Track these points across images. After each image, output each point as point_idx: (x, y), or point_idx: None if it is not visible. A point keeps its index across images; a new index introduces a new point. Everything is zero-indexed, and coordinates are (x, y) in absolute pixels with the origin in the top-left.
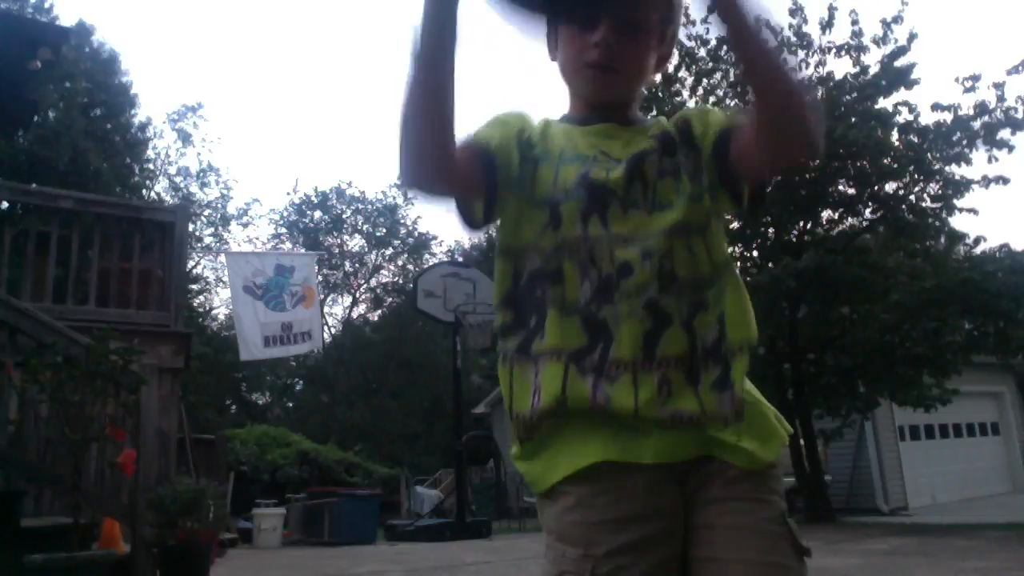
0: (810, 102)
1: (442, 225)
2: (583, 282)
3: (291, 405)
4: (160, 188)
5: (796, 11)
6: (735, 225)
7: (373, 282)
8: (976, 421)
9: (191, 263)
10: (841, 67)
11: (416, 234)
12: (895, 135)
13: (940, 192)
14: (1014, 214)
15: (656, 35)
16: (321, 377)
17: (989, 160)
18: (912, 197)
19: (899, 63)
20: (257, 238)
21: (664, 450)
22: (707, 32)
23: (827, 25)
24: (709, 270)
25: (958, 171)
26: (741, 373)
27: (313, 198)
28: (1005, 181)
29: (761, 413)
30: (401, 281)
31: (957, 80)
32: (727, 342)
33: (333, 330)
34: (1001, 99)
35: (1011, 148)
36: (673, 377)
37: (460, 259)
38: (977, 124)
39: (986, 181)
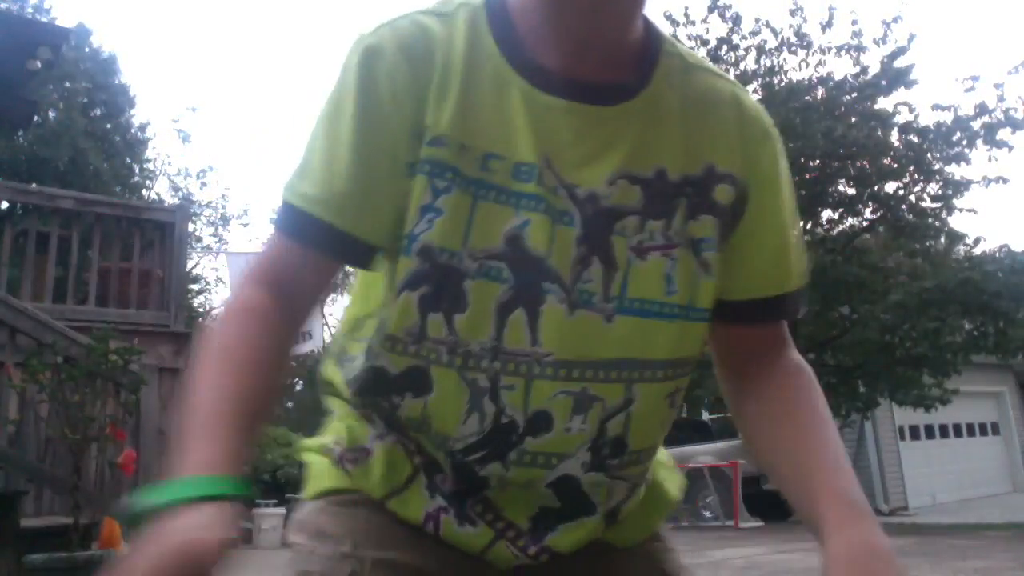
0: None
1: None
2: (467, 416)
3: (291, 405)
4: (160, 188)
5: (796, 11)
6: None
7: None
8: (976, 421)
9: (191, 263)
10: (841, 67)
11: None
12: (895, 135)
13: (940, 192)
14: (1014, 214)
15: None
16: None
17: (989, 160)
18: (912, 197)
19: (899, 63)
20: (257, 238)
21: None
22: (707, 32)
23: (827, 25)
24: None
25: (958, 171)
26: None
27: None
28: (1005, 181)
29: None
30: None
31: (957, 80)
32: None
33: (333, 330)
34: (1001, 99)
35: (1011, 148)
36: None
37: None
38: (977, 124)
39: (986, 181)
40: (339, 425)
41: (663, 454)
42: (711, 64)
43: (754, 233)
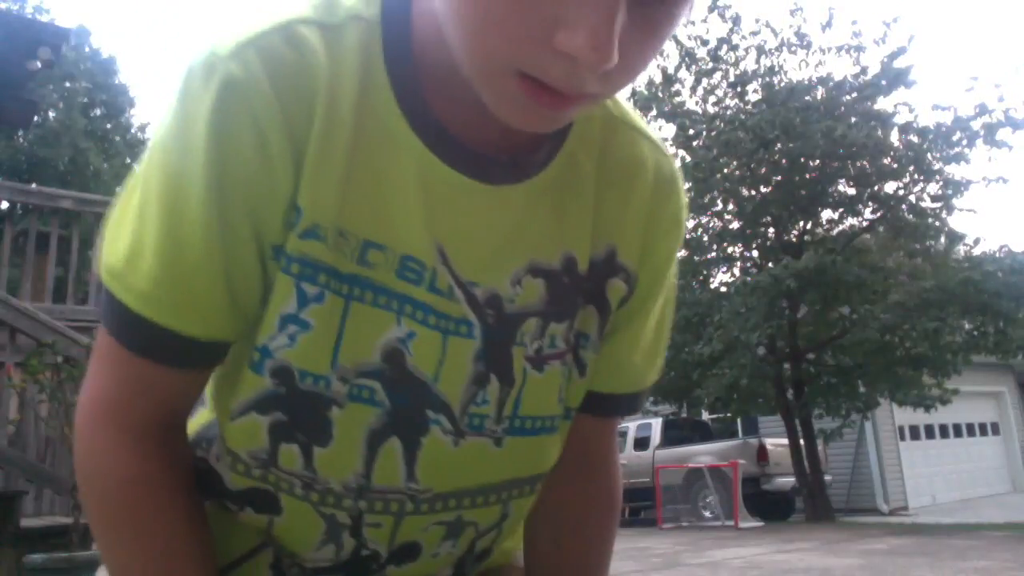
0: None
1: None
2: (321, 545)
3: None
4: None
5: (796, 11)
6: (735, 225)
7: None
8: (976, 421)
9: None
10: (841, 67)
11: None
12: (895, 135)
13: (940, 192)
14: (1014, 214)
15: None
16: None
17: (989, 160)
18: (912, 197)
19: (898, 63)
20: None
21: None
22: (707, 32)
23: (827, 25)
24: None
25: (958, 171)
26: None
27: None
28: (1005, 181)
29: None
30: None
31: (958, 80)
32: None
33: None
34: (1001, 99)
35: (1011, 148)
36: None
37: None
38: (977, 124)
39: (986, 181)
40: None
41: None
42: (637, 117)
43: (626, 329)
